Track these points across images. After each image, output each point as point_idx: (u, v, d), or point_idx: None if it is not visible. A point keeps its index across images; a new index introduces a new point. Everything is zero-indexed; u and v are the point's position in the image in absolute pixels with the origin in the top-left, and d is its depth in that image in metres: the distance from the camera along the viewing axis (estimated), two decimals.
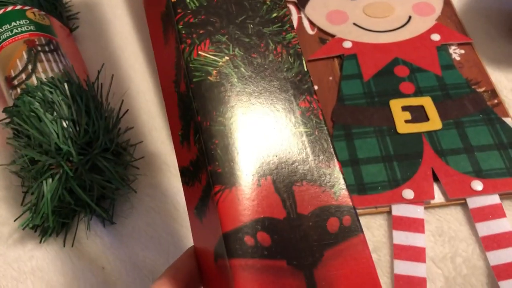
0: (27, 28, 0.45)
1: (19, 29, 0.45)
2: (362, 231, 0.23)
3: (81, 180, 0.38)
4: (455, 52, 0.50)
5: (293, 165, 0.23)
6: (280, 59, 0.26)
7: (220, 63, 0.25)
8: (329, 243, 0.22)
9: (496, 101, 0.46)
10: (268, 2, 0.27)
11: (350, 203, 0.23)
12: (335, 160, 0.24)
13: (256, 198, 0.22)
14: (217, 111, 0.24)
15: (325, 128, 0.25)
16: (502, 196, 0.41)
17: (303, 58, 0.26)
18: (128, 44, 0.53)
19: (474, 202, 0.41)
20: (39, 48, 0.44)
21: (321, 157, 0.24)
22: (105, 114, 0.41)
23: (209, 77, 0.25)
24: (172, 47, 0.27)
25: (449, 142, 0.44)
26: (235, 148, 0.23)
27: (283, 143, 0.23)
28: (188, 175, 0.26)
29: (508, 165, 0.42)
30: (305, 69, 0.26)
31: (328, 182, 0.23)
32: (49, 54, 0.44)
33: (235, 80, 0.25)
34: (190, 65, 0.25)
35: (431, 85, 0.47)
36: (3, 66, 0.43)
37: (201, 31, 0.26)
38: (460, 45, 0.50)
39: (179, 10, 0.26)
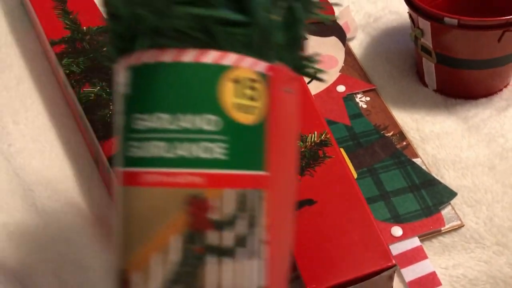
0: None
1: None
2: None
3: None
4: (361, 100, 0.52)
5: None
6: None
7: (95, 90, 0.46)
8: None
9: (404, 143, 0.48)
10: None
11: None
12: None
13: None
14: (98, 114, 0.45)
15: None
16: (421, 238, 0.43)
17: None
18: None
19: (396, 249, 0.42)
20: None
21: None
22: None
23: (90, 98, 0.46)
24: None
25: (365, 190, 0.45)
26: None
27: None
28: None
29: (423, 206, 0.44)
30: None
31: None
32: None
33: (104, 95, 0.46)
34: (80, 95, 0.46)
35: (343, 136, 0.49)
36: None
37: (84, 80, 0.47)
38: (365, 92, 0.53)
39: (70, 75, 0.48)
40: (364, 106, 0.51)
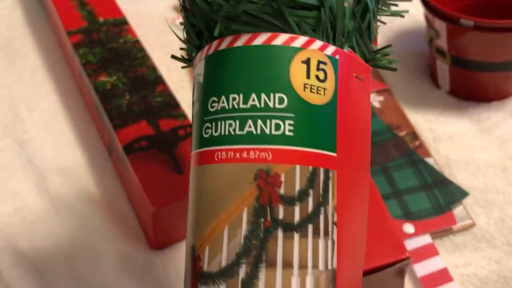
0: None
1: None
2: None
3: None
4: (375, 100, 0.52)
5: None
6: (143, 73, 0.49)
7: (111, 80, 0.48)
8: (180, 139, 0.44)
9: (417, 142, 0.49)
10: (135, 50, 0.51)
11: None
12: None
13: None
14: (114, 103, 0.47)
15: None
16: (433, 236, 0.43)
17: (155, 67, 0.49)
18: None
19: (408, 245, 0.42)
20: None
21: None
22: None
23: (106, 87, 0.48)
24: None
25: (378, 188, 0.45)
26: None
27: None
28: None
29: (435, 204, 0.44)
30: (158, 73, 0.49)
31: None
32: None
33: (120, 84, 0.48)
34: (96, 84, 0.48)
35: None
36: None
37: (100, 69, 0.49)
38: (378, 92, 0.53)
39: (86, 64, 0.50)
40: (377, 105, 0.52)
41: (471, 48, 0.48)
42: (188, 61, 0.32)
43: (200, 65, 0.29)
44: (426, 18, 0.51)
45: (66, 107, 0.54)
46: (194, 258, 0.26)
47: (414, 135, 0.49)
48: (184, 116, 0.45)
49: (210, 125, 0.27)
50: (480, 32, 0.47)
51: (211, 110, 0.28)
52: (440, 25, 0.49)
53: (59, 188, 0.47)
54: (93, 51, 0.51)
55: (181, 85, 0.56)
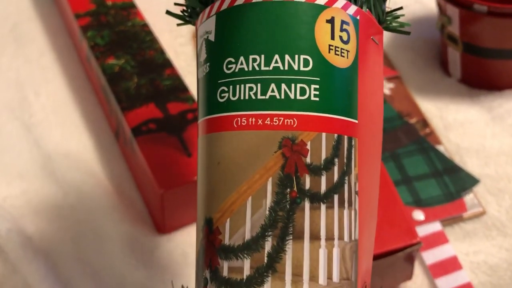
0: None
1: None
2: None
3: None
4: (385, 87, 0.52)
5: None
6: (152, 56, 0.48)
7: (120, 63, 0.48)
8: (188, 122, 0.43)
9: (427, 130, 0.48)
10: (143, 33, 0.50)
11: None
12: None
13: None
14: (122, 85, 0.47)
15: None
16: (443, 223, 0.42)
17: (163, 51, 0.49)
18: None
19: (418, 232, 0.42)
20: None
21: None
22: None
23: (114, 70, 0.47)
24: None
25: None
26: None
27: None
28: None
29: (445, 191, 0.44)
30: (166, 57, 0.48)
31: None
32: None
33: (128, 67, 0.47)
34: (104, 67, 0.47)
35: None
36: None
37: (108, 52, 0.49)
38: (389, 79, 0.52)
39: (94, 47, 0.49)
40: (388, 92, 0.51)
41: (484, 34, 0.48)
42: (187, 18, 0.29)
43: (209, 22, 0.27)
44: (438, 4, 0.51)
45: (74, 90, 0.54)
46: (212, 231, 0.25)
47: (425, 122, 0.49)
48: (193, 99, 0.45)
49: (226, 89, 0.25)
50: (494, 18, 0.46)
51: (227, 72, 0.26)
52: (453, 11, 0.48)
53: (66, 171, 0.46)
54: (101, 33, 0.50)
55: (188, 70, 0.55)
